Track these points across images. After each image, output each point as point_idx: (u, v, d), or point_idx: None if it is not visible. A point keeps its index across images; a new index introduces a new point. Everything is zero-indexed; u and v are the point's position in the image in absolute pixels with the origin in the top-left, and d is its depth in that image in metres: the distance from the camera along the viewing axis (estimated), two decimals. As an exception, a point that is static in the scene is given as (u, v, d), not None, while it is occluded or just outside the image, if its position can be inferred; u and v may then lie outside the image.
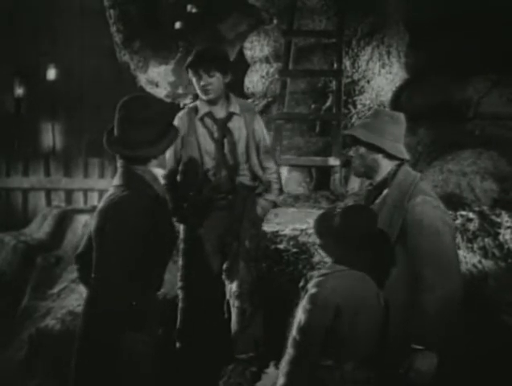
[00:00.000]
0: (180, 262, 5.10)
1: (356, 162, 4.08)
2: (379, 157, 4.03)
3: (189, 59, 5.02)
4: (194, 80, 4.99)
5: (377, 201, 4.00)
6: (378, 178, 4.04)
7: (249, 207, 4.99)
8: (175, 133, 3.82)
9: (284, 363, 3.64)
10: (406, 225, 3.88)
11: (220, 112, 5.04)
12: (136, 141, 3.69)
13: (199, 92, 5.00)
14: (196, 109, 5.08)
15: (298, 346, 3.59)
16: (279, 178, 5.19)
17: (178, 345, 5.09)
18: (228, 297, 4.97)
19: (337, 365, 3.62)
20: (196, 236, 5.04)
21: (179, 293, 5.14)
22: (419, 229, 3.86)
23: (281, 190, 5.19)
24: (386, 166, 4.04)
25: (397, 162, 4.05)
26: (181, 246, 5.11)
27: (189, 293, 5.10)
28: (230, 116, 5.03)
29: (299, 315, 3.63)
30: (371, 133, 4.01)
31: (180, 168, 5.08)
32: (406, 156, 4.09)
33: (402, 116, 4.17)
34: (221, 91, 4.99)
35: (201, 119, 5.04)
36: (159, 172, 3.83)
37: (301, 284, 3.75)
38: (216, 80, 4.94)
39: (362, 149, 4.04)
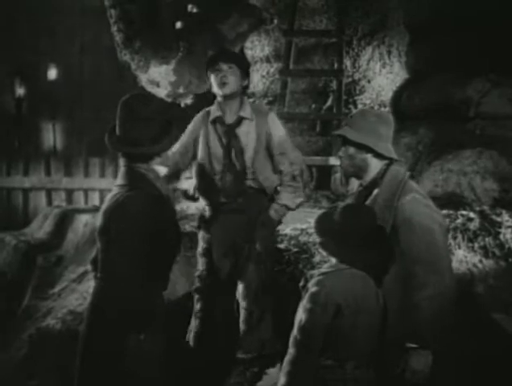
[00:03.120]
0: (198, 264, 5.12)
1: (345, 162, 4.10)
2: (368, 157, 4.04)
3: (211, 54, 5.11)
4: (213, 76, 5.02)
5: (368, 201, 4.01)
6: (368, 177, 4.06)
7: (262, 210, 4.99)
8: (175, 130, 3.84)
9: (285, 363, 3.63)
10: (397, 224, 3.89)
11: (230, 116, 5.04)
12: (139, 138, 3.70)
13: (216, 88, 5.01)
14: (209, 113, 5.11)
15: (299, 346, 3.58)
16: (295, 180, 5.05)
17: (193, 347, 5.08)
18: (237, 297, 4.98)
19: (338, 364, 3.62)
20: (210, 238, 5.08)
21: (195, 294, 5.14)
22: (410, 227, 3.87)
23: (296, 193, 5.03)
24: (375, 165, 4.05)
25: (386, 162, 4.07)
26: (198, 248, 5.14)
27: (205, 295, 5.10)
28: (240, 120, 5.02)
29: (300, 314, 3.62)
30: (360, 134, 4.02)
31: (194, 171, 5.11)
32: (395, 155, 4.10)
33: (389, 116, 4.19)
34: (237, 88, 5.00)
35: (213, 123, 5.07)
36: (162, 170, 3.83)
37: (301, 283, 3.75)
38: (233, 74, 4.97)
39: (351, 150, 4.05)
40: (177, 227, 3.86)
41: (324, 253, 3.86)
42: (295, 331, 3.62)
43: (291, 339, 3.62)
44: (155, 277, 3.68)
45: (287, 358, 3.62)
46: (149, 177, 3.73)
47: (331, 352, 3.61)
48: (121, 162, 3.79)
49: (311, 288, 3.63)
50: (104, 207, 3.76)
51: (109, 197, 3.78)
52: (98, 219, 3.77)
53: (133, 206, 3.62)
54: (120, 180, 3.77)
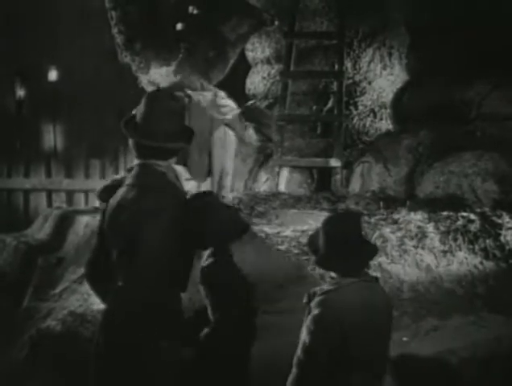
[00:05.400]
0: None
1: None
2: None
3: None
4: None
5: None
6: None
7: None
8: (192, 131, 3.74)
9: (289, 383, 3.57)
10: None
11: None
12: (164, 132, 3.57)
13: None
14: None
15: (303, 367, 3.52)
16: None
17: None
18: None
19: (345, 380, 3.55)
20: None
21: None
22: None
23: None
24: None
25: None
26: None
27: None
28: None
29: (304, 336, 3.54)
30: None
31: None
32: None
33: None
34: None
35: None
36: (180, 169, 3.71)
37: (304, 300, 3.66)
38: None
39: None
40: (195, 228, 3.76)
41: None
42: (298, 352, 3.54)
43: (295, 359, 3.55)
44: (179, 280, 3.60)
45: (291, 377, 3.56)
46: (170, 177, 3.61)
47: (338, 371, 3.53)
48: (139, 159, 3.64)
49: (314, 309, 3.54)
50: (127, 212, 3.56)
51: (125, 198, 3.60)
52: (119, 224, 3.58)
53: (163, 214, 3.49)
54: (137, 179, 3.62)
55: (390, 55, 8.52)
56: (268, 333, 4.47)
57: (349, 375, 3.55)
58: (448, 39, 7.42)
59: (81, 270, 6.80)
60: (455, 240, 5.58)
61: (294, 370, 3.55)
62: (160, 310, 3.52)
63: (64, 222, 8.20)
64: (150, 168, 3.60)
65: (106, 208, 3.73)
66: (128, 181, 3.68)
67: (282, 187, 7.92)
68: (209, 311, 3.80)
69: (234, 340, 3.80)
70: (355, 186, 7.51)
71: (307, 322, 3.55)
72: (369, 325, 3.55)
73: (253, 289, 3.96)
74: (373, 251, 3.71)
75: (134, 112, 3.75)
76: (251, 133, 5.43)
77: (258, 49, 9.05)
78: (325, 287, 3.64)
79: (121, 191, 3.67)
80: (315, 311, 3.53)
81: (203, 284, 3.82)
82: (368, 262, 3.75)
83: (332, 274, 3.66)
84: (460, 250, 5.50)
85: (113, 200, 3.68)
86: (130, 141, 3.67)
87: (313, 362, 3.51)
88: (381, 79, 8.51)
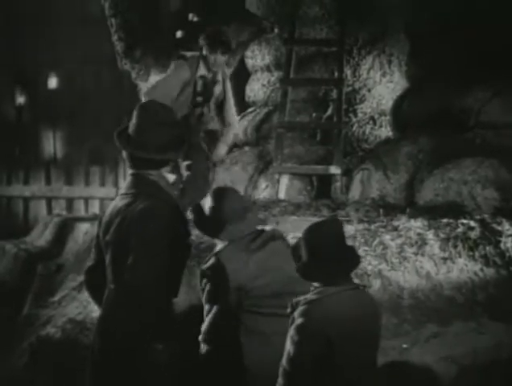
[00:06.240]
0: None
1: None
2: None
3: None
4: None
5: None
6: None
7: None
8: (187, 140, 3.79)
9: None
10: None
11: None
12: (156, 143, 3.62)
13: None
14: None
15: (288, 377, 3.50)
16: None
17: None
18: None
19: None
20: None
21: None
22: None
23: None
24: None
25: None
26: None
27: None
28: None
29: (288, 346, 3.52)
30: None
31: None
32: None
33: None
34: None
35: None
36: (171, 177, 3.75)
37: (288, 309, 3.63)
38: None
39: None
40: (189, 234, 3.79)
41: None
42: (284, 362, 3.52)
43: (280, 369, 3.53)
44: (171, 285, 3.62)
45: None
46: (162, 185, 3.66)
47: (323, 378, 3.51)
48: (132, 169, 3.69)
49: (298, 319, 3.51)
50: (118, 218, 3.62)
51: (118, 206, 3.66)
52: (111, 230, 3.63)
53: (154, 216, 3.53)
54: (130, 188, 3.67)
55: (390, 62, 8.53)
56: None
57: (335, 382, 3.52)
58: (448, 38, 7.43)
59: (81, 277, 6.80)
60: (455, 247, 5.58)
61: (280, 380, 3.54)
62: (154, 314, 3.52)
63: (64, 229, 8.21)
64: (143, 177, 3.66)
65: (102, 217, 3.79)
66: (121, 191, 3.77)
67: (282, 194, 7.91)
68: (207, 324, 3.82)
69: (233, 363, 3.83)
70: (355, 193, 7.50)
71: (291, 332, 3.52)
72: (355, 333, 3.51)
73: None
74: (355, 259, 3.68)
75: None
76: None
77: (257, 56, 9.06)
78: (308, 297, 3.60)
79: (115, 200, 3.76)
80: (298, 321, 3.51)
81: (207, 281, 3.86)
82: (351, 270, 3.70)
83: (316, 283, 3.63)
84: (460, 257, 5.50)
85: (108, 208, 3.76)
86: (124, 153, 3.73)
87: (298, 372, 3.49)
88: (381, 86, 8.51)
